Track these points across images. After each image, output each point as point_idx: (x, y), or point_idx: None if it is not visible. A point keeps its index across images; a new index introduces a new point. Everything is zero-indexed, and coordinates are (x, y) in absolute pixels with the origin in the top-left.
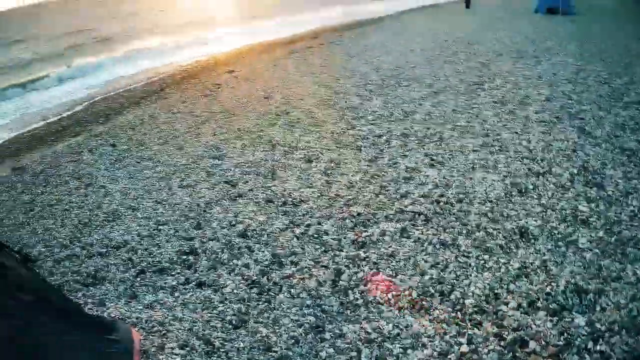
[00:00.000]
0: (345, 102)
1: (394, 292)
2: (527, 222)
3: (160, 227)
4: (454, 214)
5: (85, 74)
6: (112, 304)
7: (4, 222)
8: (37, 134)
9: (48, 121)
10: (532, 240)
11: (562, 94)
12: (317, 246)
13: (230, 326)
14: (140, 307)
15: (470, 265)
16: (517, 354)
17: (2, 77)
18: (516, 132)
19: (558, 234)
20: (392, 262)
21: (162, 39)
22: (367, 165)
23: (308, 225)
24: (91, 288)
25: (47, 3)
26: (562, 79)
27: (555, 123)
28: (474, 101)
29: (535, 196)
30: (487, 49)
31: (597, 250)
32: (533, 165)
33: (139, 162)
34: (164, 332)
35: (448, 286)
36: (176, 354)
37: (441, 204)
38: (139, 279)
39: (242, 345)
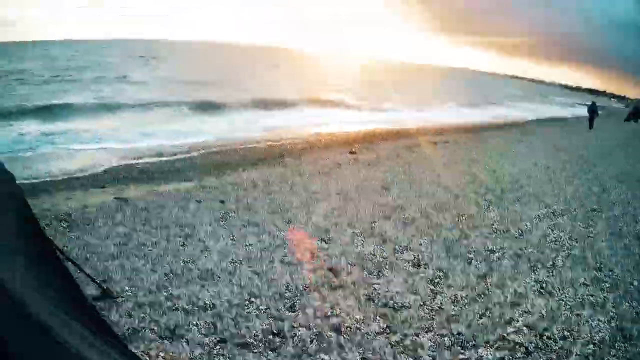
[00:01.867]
0: (463, 209)
1: None
2: None
3: (253, 299)
4: (555, 351)
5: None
6: None
7: (94, 249)
8: (147, 168)
9: (162, 159)
10: None
11: None
12: None
13: None
14: None
15: None
16: None
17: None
18: (629, 270)
19: None
20: None
21: (292, 107)
22: (476, 282)
23: (405, 335)
24: (166, 342)
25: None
26: None
27: None
28: (590, 229)
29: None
30: (608, 174)
31: None
32: None
33: (244, 226)
34: None
35: None
36: None
37: (544, 338)
38: (218, 347)
39: None
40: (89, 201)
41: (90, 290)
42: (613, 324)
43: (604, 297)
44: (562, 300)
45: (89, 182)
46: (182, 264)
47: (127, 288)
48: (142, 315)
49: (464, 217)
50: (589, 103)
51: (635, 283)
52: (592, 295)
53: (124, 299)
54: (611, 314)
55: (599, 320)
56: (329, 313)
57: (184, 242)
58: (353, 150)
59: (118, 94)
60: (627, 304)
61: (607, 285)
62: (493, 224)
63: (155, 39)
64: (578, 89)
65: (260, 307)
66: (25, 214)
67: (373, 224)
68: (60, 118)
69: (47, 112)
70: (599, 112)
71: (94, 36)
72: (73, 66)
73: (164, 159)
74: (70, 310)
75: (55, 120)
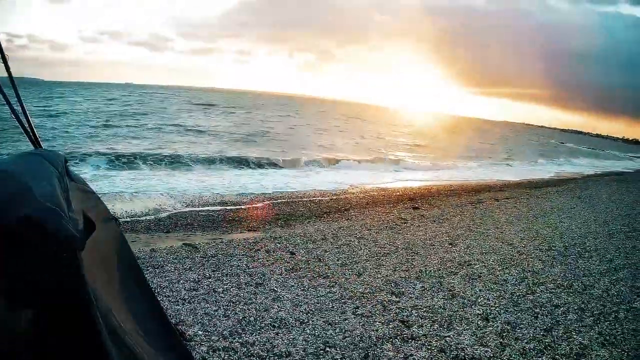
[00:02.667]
0: (528, 264)
1: None
2: None
3: (328, 348)
4: None
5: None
6: None
7: (165, 292)
8: (211, 216)
9: (227, 207)
10: None
11: None
12: None
13: None
14: None
15: None
16: None
17: None
18: None
19: None
20: None
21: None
22: (542, 335)
23: None
24: None
25: None
26: None
27: None
28: None
29: None
30: None
31: None
32: None
33: (315, 278)
34: None
35: None
36: None
37: None
38: None
39: None
40: (156, 245)
41: None
42: None
43: None
44: (625, 351)
45: (153, 226)
46: (254, 311)
47: (200, 332)
48: (217, 359)
49: (528, 273)
50: None
51: None
52: None
53: (197, 342)
54: None
55: None
56: None
57: (255, 291)
58: (417, 205)
59: (175, 143)
60: None
61: None
62: (557, 280)
63: (212, 87)
64: (636, 142)
65: (336, 357)
66: (130, 258)
67: (441, 279)
68: (120, 162)
69: (105, 156)
70: None
71: (153, 81)
72: (133, 111)
73: (228, 207)
74: None
75: (115, 164)
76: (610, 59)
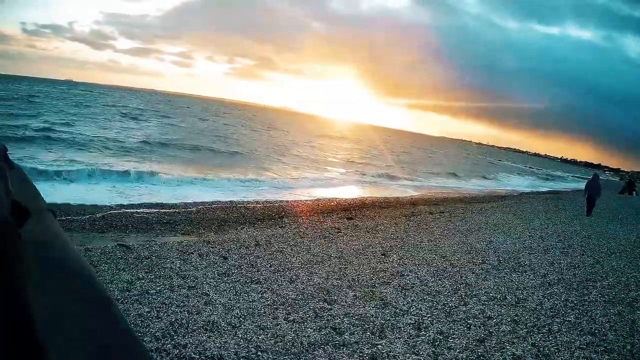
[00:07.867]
0: (461, 277)
1: None
2: None
3: (260, 353)
4: None
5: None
6: None
7: None
8: (146, 218)
9: (161, 210)
10: None
11: None
12: None
13: None
14: None
15: None
16: None
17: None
18: (622, 335)
19: None
20: None
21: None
22: (475, 345)
23: None
24: None
25: None
26: None
27: None
28: (585, 297)
29: None
30: (602, 245)
31: None
32: None
33: (247, 283)
34: None
35: None
36: None
37: None
38: None
39: None
40: (90, 245)
41: None
42: None
43: (599, 359)
44: None
45: (88, 226)
46: (186, 314)
47: None
48: None
49: (462, 285)
50: (589, 177)
51: (629, 347)
52: (587, 358)
53: None
54: None
55: None
56: None
57: (187, 294)
58: (351, 216)
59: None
60: None
61: (602, 349)
62: (490, 292)
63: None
64: (574, 162)
65: None
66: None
67: (373, 289)
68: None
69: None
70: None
71: (94, 80)
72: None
73: (162, 210)
74: None
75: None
76: (553, 79)
